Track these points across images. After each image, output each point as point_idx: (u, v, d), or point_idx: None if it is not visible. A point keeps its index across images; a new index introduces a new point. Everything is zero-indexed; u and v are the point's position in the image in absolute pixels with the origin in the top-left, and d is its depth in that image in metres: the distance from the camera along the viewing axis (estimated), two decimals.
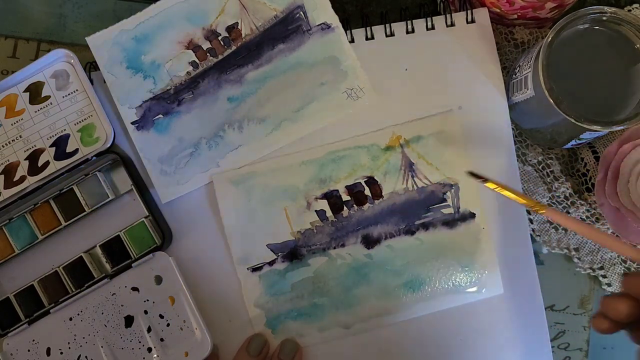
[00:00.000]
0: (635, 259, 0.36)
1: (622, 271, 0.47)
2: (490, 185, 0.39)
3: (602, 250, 0.47)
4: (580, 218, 0.47)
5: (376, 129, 0.47)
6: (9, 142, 0.47)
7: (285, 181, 0.47)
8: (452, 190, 0.46)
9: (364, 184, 0.47)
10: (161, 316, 0.45)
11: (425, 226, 0.46)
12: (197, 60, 0.47)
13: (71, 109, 0.47)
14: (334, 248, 0.46)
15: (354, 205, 0.47)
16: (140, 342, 0.45)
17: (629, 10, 0.49)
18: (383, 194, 0.47)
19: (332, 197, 0.47)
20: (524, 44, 0.48)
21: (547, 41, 0.40)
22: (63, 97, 0.47)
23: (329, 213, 0.47)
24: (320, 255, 0.46)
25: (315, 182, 0.47)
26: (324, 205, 0.47)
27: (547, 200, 0.47)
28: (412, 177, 0.47)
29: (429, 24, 0.48)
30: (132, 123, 0.47)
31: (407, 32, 0.48)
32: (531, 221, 0.47)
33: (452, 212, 0.46)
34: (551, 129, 0.44)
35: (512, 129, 0.47)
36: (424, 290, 0.46)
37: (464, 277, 0.46)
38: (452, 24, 0.48)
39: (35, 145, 0.47)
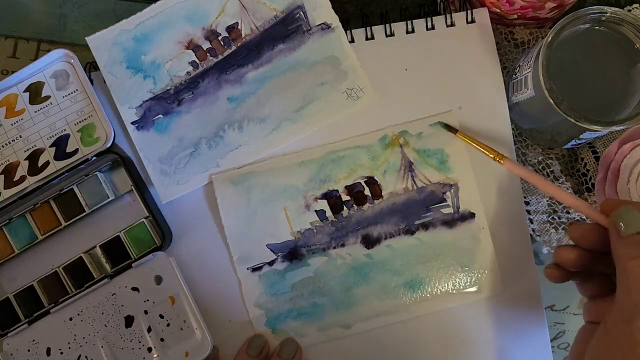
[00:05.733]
0: (588, 214, 0.37)
1: None
2: (460, 136, 0.46)
3: None
4: (580, 218, 0.47)
5: (376, 129, 0.47)
6: (9, 142, 0.47)
7: (285, 181, 0.47)
8: (452, 190, 0.46)
9: (363, 184, 0.47)
10: (161, 316, 0.45)
11: (425, 226, 0.46)
12: (197, 60, 0.47)
13: (71, 109, 0.47)
14: (334, 248, 0.46)
15: (354, 205, 0.47)
16: (140, 342, 0.45)
17: (629, 10, 0.49)
18: (383, 193, 0.47)
19: (331, 197, 0.47)
20: (524, 44, 0.48)
21: (547, 41, 0.40)
22: (63, 97, 0.47)
23: (328, 213, 0.47)
24: (320, 255, 0.46)
25: (314, 182, 0.47)
26: (323, 205, 0.47)
27: (547, 200, 0.47)
28: (412, 177, 0.47)
29: (429, 24, 0.48)
30: (132, 123, 0.47)
31: (407, 32, 0.48)
32: (531, 221, 0.47)
33: (452, 212, 0.46)
34: (551, 129, 0.44)
35: (512, 129, 0.47)
36: (423, 290, 0.46)
37: (463, 277, 0.46)
38: (452, 24, 0.48)
39: (35, 145, 0.47)
